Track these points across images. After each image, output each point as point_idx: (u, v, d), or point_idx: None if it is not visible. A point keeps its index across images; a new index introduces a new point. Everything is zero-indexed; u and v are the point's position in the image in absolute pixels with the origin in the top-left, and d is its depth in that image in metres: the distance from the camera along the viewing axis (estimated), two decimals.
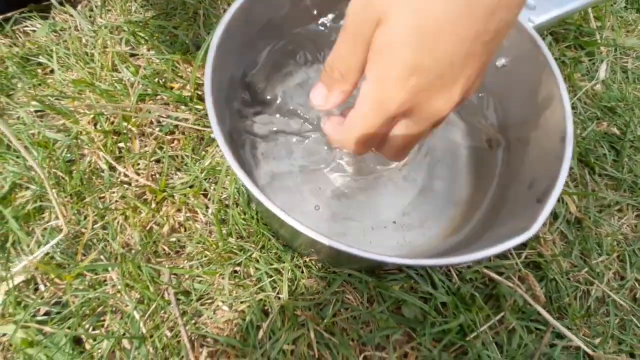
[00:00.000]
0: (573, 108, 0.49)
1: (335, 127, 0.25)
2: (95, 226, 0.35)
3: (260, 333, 0.33)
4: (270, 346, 0.32)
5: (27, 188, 0.37)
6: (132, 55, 0.45)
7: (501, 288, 0.36)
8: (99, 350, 0.32)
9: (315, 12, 0.33)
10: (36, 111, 0.41)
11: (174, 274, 0.34)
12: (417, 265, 0.21)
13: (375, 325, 0.34)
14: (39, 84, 0.42)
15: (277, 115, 0.35)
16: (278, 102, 0.35)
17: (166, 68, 0.43)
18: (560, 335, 0.36)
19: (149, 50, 0.46)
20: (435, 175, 0.37)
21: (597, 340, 0.37)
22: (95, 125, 0.40)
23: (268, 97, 0.35)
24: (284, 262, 0.35)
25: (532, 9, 0.31)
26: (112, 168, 0.38)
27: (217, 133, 0.23)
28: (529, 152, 0.29)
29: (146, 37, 0.46)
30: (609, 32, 0.55)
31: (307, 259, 0.36)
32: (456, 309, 0.35)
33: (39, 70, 0.43)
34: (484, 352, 0.34)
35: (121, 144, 0.40)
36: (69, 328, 0.32)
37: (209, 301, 0.34)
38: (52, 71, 0.43)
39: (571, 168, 0.45)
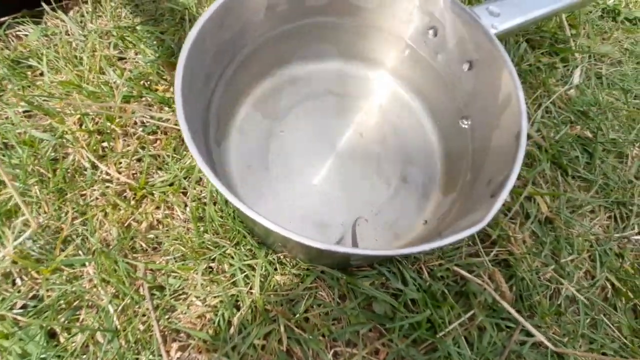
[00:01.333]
0: (547, 112, 0.49)
1: None
2: (75, 222, 0.36)
3: (232, 328, 0.33)
4: (241, 340, 0.32)
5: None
6: (120, 59, 0.46)
7: (471, 286, 0.36)
8: (73, 344, 0.32)
9: (287, 17, 0.34)
10: (24, 111, 0.41)
11: (150, 269, 0.34)
12: (376, 256, 0.21)
13: (347, 321, 0.34)
14: (28, 86, 0.43)
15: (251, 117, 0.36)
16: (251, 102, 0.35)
17: (151, 71, 0.44)
18: (529, 333, 0.36)
19: (136, 54, 0.46)
20: (408, 177, 0.37)
21: (567, 339, 0.37)
22: (80, 125, 0.41)
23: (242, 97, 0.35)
24: (257, 259, 0.35)
25: (497, 16, 0.32)
26: (94, 167, 0.39)
27: (187, 138, 0.23)
28: (490, 151, 0.30)
29: (134, 42, 0.46)
30: (584, 40, 0.56)
31: (281, 256, 0.36)
32: (426, 306, 0.35)
33: (29, 73, 0.44)
34: (454, 348, 0.34)
35: (105, 144, 0.40)
36: (44, 321, 0.32)
37: (183, 296, 0.34)
38: (41, 74, 0.44)
39: (543, 170, 0.45)
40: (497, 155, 0.28)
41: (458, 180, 0.34)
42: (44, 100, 0.42)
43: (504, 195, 0.23)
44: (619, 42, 0.58)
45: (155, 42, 0.47)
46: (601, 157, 0.46)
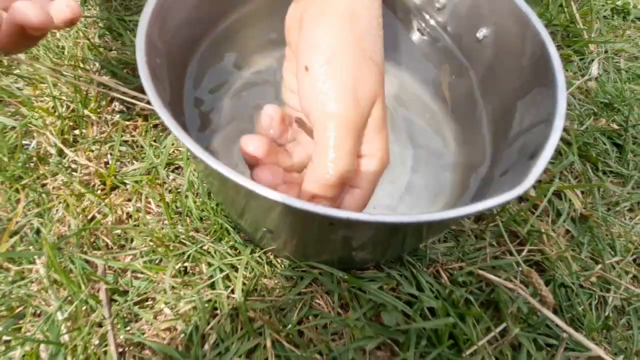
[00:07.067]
0: (568, 104, 0.44)
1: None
2: (29, 213, 0.30)
3: (207, 344, 0.26)
4: (217, 358, 0.25)
5: None
6: (105, 48, 0.42)
7: (500, 293, 0.30)
8: None
9: None
10: None
11: (111, 268, 0.28)
12: (389, 222, 0.15)
13: (349, 335, 0.28)
14: (4, 74, 0.39)
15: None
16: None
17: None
18: (575, 350, 0.29)
19: (123, 44, 0.43)
20: (421, 163, 0.32)
21: (620, 359, 0.29)
22: (54, 110, 0.36)
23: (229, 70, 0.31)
24: (241, 257, 0.29)
25: None
26: (61, 153, 0.34)
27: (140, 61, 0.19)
28: (517, 117, 0.25)
29: (121, 32, 0.43)
30: (596, 35, 0.53)
31: (271, 256, 0.30)
32: (447, 317, 0.28)
33: (5, 61, 0.40)
34: None
35: (76, 131, 0.35)
36: None
37: (150, 302, 0.28)
38: (18, 63, 0.41)
39: (571, 164, 0.39)
40: (528, 116, 0.23)
41: (479, 154, 0.29)
42: (17, 87, 0.38)
43: (550, 150, 0.18)
44: (633, 39, 0.55)
45: None
46: (633, 150, 0.41)
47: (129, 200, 0.32)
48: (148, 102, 0.37)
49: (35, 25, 0.21)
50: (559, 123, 0.20)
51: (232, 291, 0.28)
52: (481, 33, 0.29)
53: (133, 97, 0.35)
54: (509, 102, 0.27)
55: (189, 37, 0.28)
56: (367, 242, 0.21)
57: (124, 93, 0.36)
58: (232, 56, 0.32)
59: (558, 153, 0.40)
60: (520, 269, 0.31)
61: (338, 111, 0.19)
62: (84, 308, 0.27)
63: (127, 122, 0.36)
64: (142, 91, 0.38)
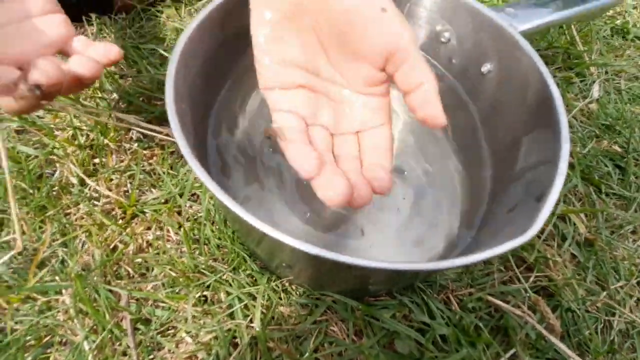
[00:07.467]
0: (570, 127, 0.45)
1: None
2: (54, 243, 0.31)
3: None
4: None
5: None
6: (121, 76, 0.44)
7: (509, 319, 0.31)
8: None
9: None
10: (17, 127, 0.39)
11: (134, 297, 0.29)
12: (400, 270, 0.16)
13: None
14: None
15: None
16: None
17: (151, 87, 0.42)
18: None
19: (139, 72, 0.44)
20: (426, 195, 0.33)
21: None
22: (74, 139, 0.38)
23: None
24: (259, 285, 0.30)
25: (514, 17, 0.30)
26: (83, 183, 0.35)
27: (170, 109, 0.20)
28: (522, 152, 0.26)
29: (136, 60, 0.45)
30: (597, 56, 0.54)
31: (286, 283, 0.31)
32: (458, 344, 0.29)
33: None
34: None
35: (96, 160, 0.37)
36: None
37: (172, 331, 0.29)
38: None
39: (575, 187, 0.40)
40: (532, 155, 0.24)
41: (481, 192, 0.30)
42: (37, 116, 0.39)
43: (555, 195, 0.19)
44: (632, 59, 0.56)
45: (158, 60, 0.45)
46: (635, 173, 0.42)
47: (149, 228, 0.33)
48: (166, 135, 0.38)
49: (90, 78, 0.24)
50: (562, 166, 0.21)
51: (251, 320, 0.29)
52: (486, 68, 0.31)
53: (151, 130, 0.36)
54: (515, 136, 0.28)
55: (210, 79, 0.29)
56: (383, 278, 0.22)
57: (142, 126, 0.37)
58: (250, 94, 0.33)
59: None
60: (527, 295, 0.32)
61: (414, 40, 0.22)
62: (109, 337, 0.28)
63: (145, 150, 0.37)
64: (159, 122, 0.39)
